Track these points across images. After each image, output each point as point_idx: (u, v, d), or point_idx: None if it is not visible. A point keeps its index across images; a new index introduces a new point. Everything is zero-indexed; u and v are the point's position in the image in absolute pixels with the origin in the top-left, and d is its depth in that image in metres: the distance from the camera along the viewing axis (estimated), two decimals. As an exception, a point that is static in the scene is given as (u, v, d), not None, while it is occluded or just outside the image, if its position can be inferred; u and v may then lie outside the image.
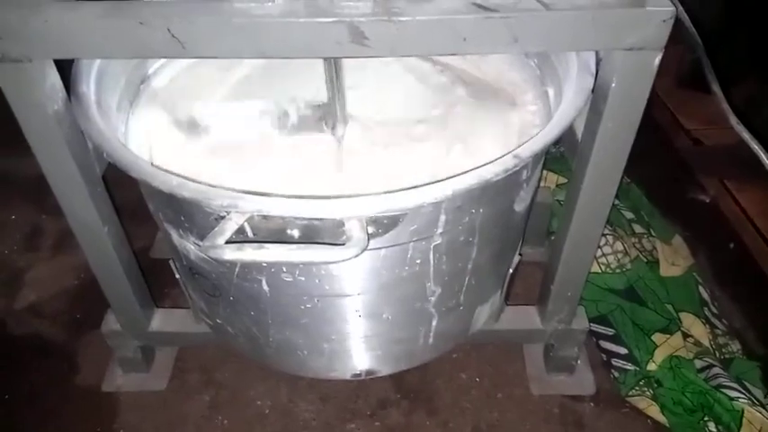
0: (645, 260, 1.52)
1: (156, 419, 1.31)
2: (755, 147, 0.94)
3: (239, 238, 0.78)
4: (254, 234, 0.82)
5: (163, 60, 1.19)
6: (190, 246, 0.96)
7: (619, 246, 1.52)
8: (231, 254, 0.73)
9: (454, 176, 0.77)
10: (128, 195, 1.17)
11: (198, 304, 1.17)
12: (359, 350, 1.10)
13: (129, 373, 1.37)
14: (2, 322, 1.52)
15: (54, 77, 0.89)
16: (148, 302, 1.26)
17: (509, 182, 0.91)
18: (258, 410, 1.32)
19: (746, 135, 0.93)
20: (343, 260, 0.73)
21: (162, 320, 1.28)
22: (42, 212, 1.79)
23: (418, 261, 0.92)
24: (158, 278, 1.33)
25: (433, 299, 1.01)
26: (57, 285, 1.60)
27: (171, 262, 1.16)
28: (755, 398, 1.24)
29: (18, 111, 0.88)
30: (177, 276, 1.16)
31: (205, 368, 1.39)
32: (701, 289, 1.49)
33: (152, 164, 0.83)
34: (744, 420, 1.19)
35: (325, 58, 0.99)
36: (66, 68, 0.94)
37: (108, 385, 1.36)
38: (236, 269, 0.93)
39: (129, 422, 1.31)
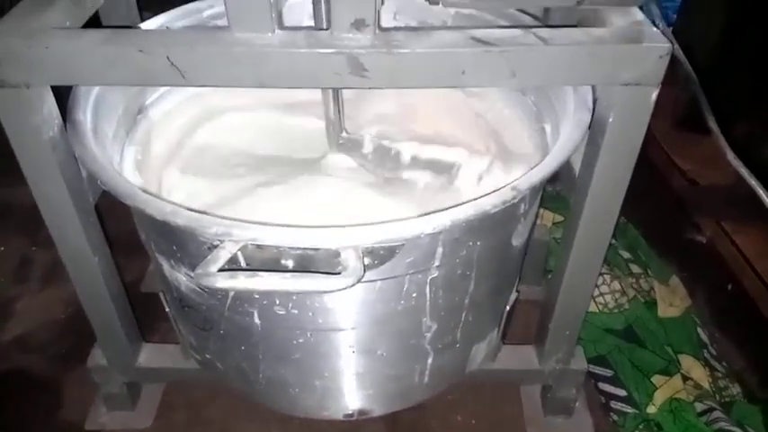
0: (643, 300, 1.51)
1: (140, 459, 1.27)
2: (753, 183, 0.94)
3: (233, 268, 0.77)
4: (247, 264, 0.80)
5: (161, 91, 1.20)
6: (181, 277, 0.94)
7: (616, 285, 1.51)
8: (224, 282, 0.71)
9: (452, 207, 0.76)
10: (120, 227, 1.16)
11: (187, 339, 1.14)
12: (352, 388, 1.07)
13: (113, 410, 1.33)
14: (-12, 355, 1.48)
15: (51, 104, 0.88)
16: (136, 336, 1.24)
17: (507, 214, 0.90)
18: (247, 451, 1.28)
19: (744, 171, 0.94)
20: (339, 289, 0.72)
21: (150, 356, 1.25)
22: (33, 244, 1.78)
23: (414, 295, 0.90)
24: (148, 312, 1.31)
25: (428, 335, 0.99)
26: (44, 318, 1.57)
27: (161, 294, 1.14)
28: (757, 442, 1.21)
29: (13, 136, 0.88)
30: (167, 309, 1.13)
31: (192, 406, 1.35)
32: (699, 330, 1.48)
33: (145, 191, 0.82)
34: (747, 466, 1.17)
35: (323, 89, 0.99)
36: (63, 95, 0.94)
37: (91, 423, 1.32)
38: (228, 301, 0.91)
39: (112, 462, 1.27)
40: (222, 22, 1.20)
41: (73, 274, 1.07)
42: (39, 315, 1.58)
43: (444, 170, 1.08)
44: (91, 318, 1.14)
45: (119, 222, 1.08)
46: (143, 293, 1.56)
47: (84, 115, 0.95)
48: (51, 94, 0.88)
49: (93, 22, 0.98)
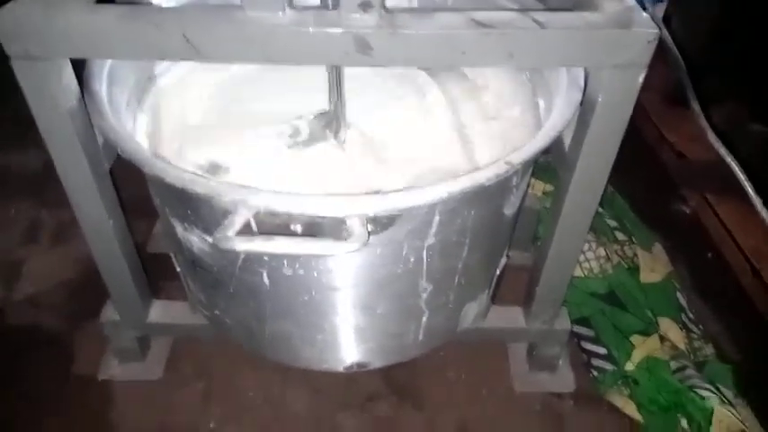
0: (626, 266, 1.59)
1: (150, 407, 1.35)
2: (731, 162, 1.00)
3: (246, 233, 0.83)
4: (258, 229, 0.87)
5: (169, 62, 1.24)
6: (194, 239, 1.00)
7: (602, 252, 1.58)
8: (242, 245, 0.78)
9: (449, 180, 0.82)
10: (127, 191, 1.20)
11: (197, 296, 1.21)
12: (352, 342, 1.15)
13: (124, 362, 1.40)
14: (0, 313, 1.54)
15: (69, 75, 0.93)
16: (147, 294, 1.30)
17: (500, 186, 0.96)
18: (250, 401, 1.36)
19: (723, 151, 1.00)
20: (346, 252, 0.78)
21: (160, 312, 1.32)
22: (41, 206, 1.82)
23: (412, 259, 0.97)
24: (154, 272, 1.37)
25: (424, 296, 1.06)
26: (54, 277, 1.63)
27: (172, 255, 1.21)
28: (726, 398, 1.31)
29: (34, 105, 0.92)
30: (178, 269, 1.20)
31: (199, 360, 1.43)
32: (678, 295, 1.56)
33: (162, 159, 0.87)
34: (714, 419, 1.26)
35: (329, 67, 1.04)
36: (78, 66, 0.98)
37: (103, 374, 1.39)
38: (239, 262, 0.98)
39: (124, 409, 1.35)
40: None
41: (89, 234, 1.12)
42: (49, 274, 1.63)
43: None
44: (105, 275, 1.20)
45: (124, 186, 1.13)
46: (149, 254, 1.61)
47: (100, 85, 1.00)
48: (70, 65, 0.92)
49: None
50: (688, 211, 1.67)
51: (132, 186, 1.12)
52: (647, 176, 1.80)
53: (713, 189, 1.62)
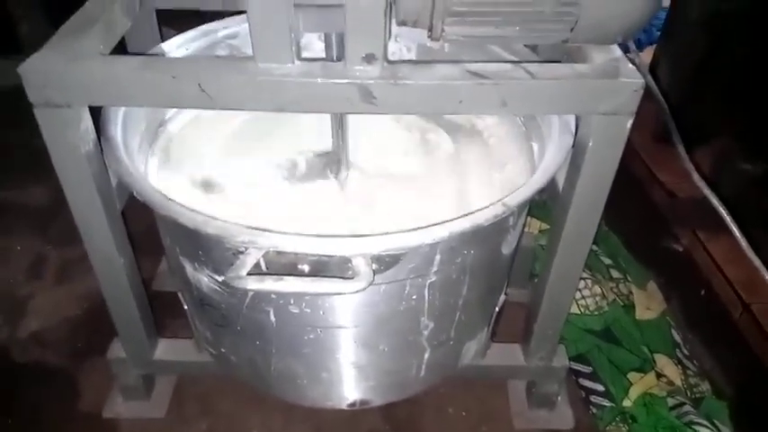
0: (621, 304, 1.62)
1: (155, 446, 1.37)
2: (715, 201, 1.04)
3: (254, 272, 0.87)
4: (267, 268, 0.91)
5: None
6: (203, 278, 1.04)
7: (597, 290, 1.62)
8: (254, 284, 0.82)
9: (450, 221, 0.87)
10: (132, 229, 1.24)
11: (203, 334, 1.24)
12: (355, 380, 1.17)
13: (129, 400, 1.42)
14: (5, 350, 1.56)
15: (88, 121, 0.97)
16: (153, 332, 1.33)
17: (498, 227, 1.00)
18: (254, 439, 1.38)
19: (707, 191, 1.04)
20: (353, 292, 0.82)
21: (165, 349, 1.34)
22: (46, 243, 1.86)
23: (414, 297, 1.01)
24: (158, 310, 1.39)
25: (426, 333, 1.09)
26: (59, 314, 1.65)
27: (179, 294, 1.24)
28: (723, 434, 1.33)
29: (53, 150, 0.96)
30: (186, 307, 1.23)
31: (203, 398, 1.44)
32: (673, 332, 1.59)
33: (174, 201, 0.92)
34: (712, 455, 1.28)
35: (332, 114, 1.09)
36: (93, 112, 1.03)
37: (108, 411, 1.41)
38: (247, 300, 1.02)
39: (128, 448, 1.36)
40: (236, 42, 1.30)
41: (99, 272, 1.15)
42: (54, 311, 1.66)
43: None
44: (113, 313, 1.23)
45: (130, 225, 1.17)
46: (154, 291, 1.64)
47: (116, 131, 1.05)
48: (88, 112, 0.97)
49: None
50: (680, 249, 1.71)
51: (137, 225, 1.16)
52: (640, 215, 1.84)
53: (703, 226, 1.66)
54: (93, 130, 1.00)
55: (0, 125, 2.16)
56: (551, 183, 1.06)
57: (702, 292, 1.60)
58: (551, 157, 0.99)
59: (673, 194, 1.82)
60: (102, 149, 1.01)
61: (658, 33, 1.95)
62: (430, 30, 0.90)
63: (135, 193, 0.94)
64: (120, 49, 1.07)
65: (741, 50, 1.47)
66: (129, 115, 1.10)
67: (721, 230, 1.61)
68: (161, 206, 0.89)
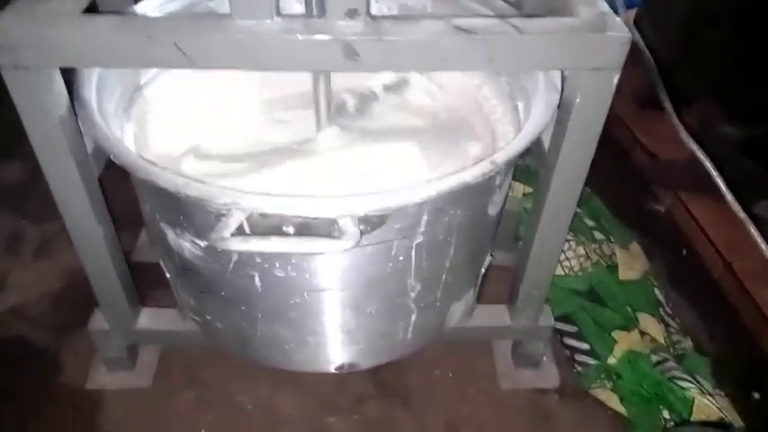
0: (605, 264, 1.64)
1: (141, 416, 1.35)
2: (703, 159, 1.04)
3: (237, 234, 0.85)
4: (251, 231, 0.89)
5: (154, 71, 1.26)
6: (186, 244, 1.02)
7: (581, 251, 1.63)
8: (238, 244, 0.80)
9: (437, 179, 0.85)
10: (108, 204, 1.22)
11: (187, 302, 1.22)
12: (342, 343, 1.17)
13: (113, 371, 1.40)
14: (-17, 325, 1.54)
15: (60, 84, 0.94)
16: (135, 302, 1.31)
17: (484, 185, 1.00)
18: (241, 406, 1.37)
19: (696, 148, 1.04)
20: (341, 251, 0.81)
21: (149, 319, 1.32)
22: (22, 218, 1.81)
23: (401, 258, 1.00)
24: (140, 281, 1.37)
25: (413, 294, 1.09)
26: (38, 289, 1.62)
27: (161, 262, 1.22)
28: (704, 388, 1.35)
29: (25, 115, 0.93)
30: (168, 276, 1.21)
31: (188, 367, 1.43)
32: (656, 291, 1.61)
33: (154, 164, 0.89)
34: (694, 408, 1.30)
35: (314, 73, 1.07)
36: (66, 74, 0.99)
37: (92, 383, 1.39)
38: (231, 265, 1.00)
39: (114, 419, 1.35)
40: (214, 3, 1.26)
41: (78, 242, 1.12)
42: (32, 287, 1.63)
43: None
44: (94, 283, 1.21)
45: (110, 197, 1.15)
46: (135, 263, 1.61)
47: (90, 94, 1.01)
48: (60, 74, 0.93)
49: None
50: (662, 210, 1.72)
51: (113, 198, 1.13)
52: (622, 177, 1.85)
53: (685, 187, 1.68)
54: (66, 94, 0.96)
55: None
56: (537, 142, 1.05)
57: (684, 252, 1.62)
58: (538, 114, 0.98)
59: (654, 156, 1.83)
60: (76, 115, 0.98)
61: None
62: (413, -17, 0.88)
63: (112, 157, 0.91)
64: (92, 11, 1.03)
65: (727, 7, 1.46)
66: (103, 80, 1.06)
67: (703, 191, 1.63)
68: (140, 169, 0.87)
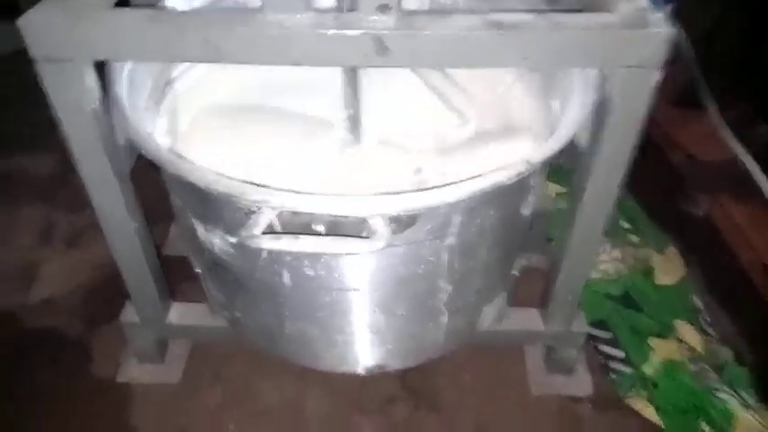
0: (640, 269, 1.59)
1: (169, 410, 1.36)
2: (747, 160, 1.00)
3: (267, 232, 0.84)
4: (281, 228, 0.88)
5: (185, 65, 1.26)
6: (216, 239, 1.02)
7: (616, 254, 1.59)
8: (269, 243, 0.79)
9: (470, 179, 0.83)
10: (143, 196, 1.22)
11: (216, 298, 1.22)
12: (371, 344, 1.15)
13: (143, 365, 1.41)
14: (16, 316, 1.55)
15: (92, 78, 0.94)
16: (166, 296, 1.31)
17: (519, 186, 0.96)
18: (268, 404, 1.37)
19: (740, 150, 1.00)
20: (372, 251, 0.79)
21: (179, 314, 1.33)
22: (55, 210, 1.84)
23: (432, 259, 0.98)
24: (170, 275, 1.38)
25: (443, 296, 1.07)
26: (70, 281, 1.64)
27: (190, 257, 1.22)
28: (746, 402, 1.30)
29: (58, 108, 0.93)
30: (197, 271, 1.21)
31: (217, 363, 1.43)
32: (694, 298, 1.55)
33: (185, 159, 0.89)
34: (736, 423, 1.25)
35: (346, 68, 1.05)
36: (99, 70, 1.00)
37: (123, 376, 1.40)
38: (260, 262, 0.99)
39: (143, 413, 1.36)
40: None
41: (110, 236, 1.13)
42: (64, 278, 1.65)
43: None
44: (126, 276, 1.21)
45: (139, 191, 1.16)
46: (165, 257, 1.62)
47: (121, 89, 1.01)
48: (92, 68, 0.93)
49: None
50: (700, 213, 1.68)
51: (144, 192, 1.13)
52: (657, 179, 1.80)
53: (725, 190, 1.63)
54: (99, 88, 0.96)
55: (3, 93, 2.14)
56: (572, 143, 1.02)
57: (723, 257, 1.57)
58: (574, 114, 0.95)
59: (692, 157, 1.78)
60: (108, 108, 0.98)
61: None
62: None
63: (143, 152, 0.91)
64: (123, 5, 1.03)
65: (761, 10, 1.41)
66: (134, 74, 1.06)
67: (744, 194, 1.58)
68: (170, 164, 0.86)
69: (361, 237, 0.82)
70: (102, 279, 1.63)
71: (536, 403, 1.37)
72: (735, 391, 1.33)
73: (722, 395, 1.31)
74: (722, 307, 1.56)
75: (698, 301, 1.56)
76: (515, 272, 1.22)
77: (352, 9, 0.90)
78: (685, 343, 1.45)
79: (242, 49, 0.86)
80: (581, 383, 1.39)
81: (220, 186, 0.82)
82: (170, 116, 1.20)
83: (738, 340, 1.48)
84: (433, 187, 0.82)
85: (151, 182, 1.13)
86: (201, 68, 1.28)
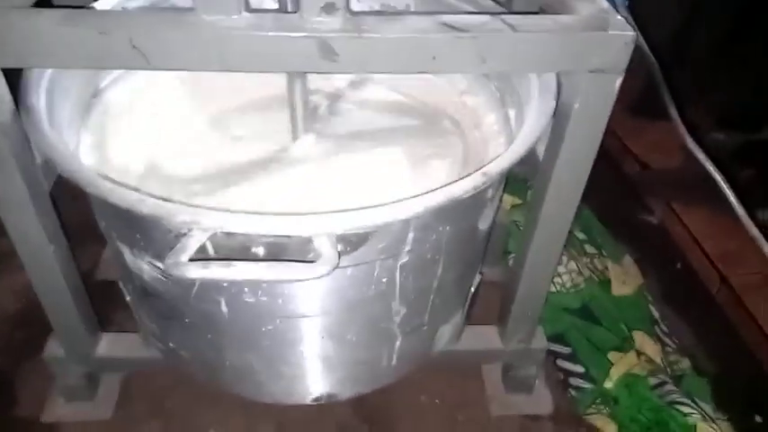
0: (597, 279, 1.57)
1: (101, 451, 1.25)
2: (710, 167, 0.97)
3: (200, 257, 0.75)
4: (215, 252, 0.79)
5: (117, 73, 1.16)
6: (144, 265, 0.92)
7: (573, 265, 1.55)
8: (196, 272, 0.70)
9: (425, 193, 0.76)
10: (71, 213, 1.11)
11: (149, 327, 1.12)
12: (320, 373, 1.07)
13: (71, 402, 1.29)
14: (-68, 351, 1.42)
15: (2, 87, 0.84)
16: (94, 326, 1.20)
17: (476, 199, 0.91)
18: (211, 439, 1.27)
19: (701, 156, 0.97)
20: (316, 277, 0.71)
21: (109, 345, 1.22)
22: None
23: (384, 280, 0.91)
24: (103, 301, 1.27)
25: (397, 319, 1.00)
26: (-8, 311, 1.51)
27: (120, 283, 1.12)
28: (706, 413, 1.28)
29: (-41, 121, 0.83)
30: (127, 298, 1.11)
31: (153, 396, 1.33)
32: (651, 308, 1.54)
33: (107, 178, 0.79)
34: (697, 436, 1.23)
35: (289, 75, 0.98)
36: (13, 78, 0.89)
37: (49, 416, 1.28)
38: (194, 290, 0.90)
39: (71, 455, 1.24)
40: (180, 2, 1.17)
41: (28, 264, 1.03)
42: (-16, 307, 1.52)
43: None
44: (47, 308, 1.11)
45: (70, 208, 1.04)
46: (98, 281, 1.51)
47: (38, 99, 0.91)
48: (2, 76, 0.84)
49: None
50: (654, 222, 1.67)
51: (78, 209, 1.03)
52: (611, 188, 1.79)
53: (679, 198, 1.62)
54: (11, 99, 0.86)
55: None
56: (530, 152, 0.97)
57: (678, 266, 1.56)
58: (533, 121, 0.90)
59: (646, 166, 1.77)
60: (22, 121, 0.87)
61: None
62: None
63: (59, 170, 0.81)
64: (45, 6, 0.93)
65: (720, 13, 1.41)
66: (55, 82, 0.96)
67: (698, 201, 1.58)
68: (89, 184, 0.77)
69: (305, 261, 0.74)
70: (27, 308, 1.50)
71: (496, 424, 1.32)
72: (695, 402, 1.31)
73: (683, 408, 1.28)
74: (679, 316, 1.54)
75: (655, 311, 1.54)
76: (473, 289, 1.16)
77: (294, 10, 0.82)
78: (644, 354, 1.42)
79: (172, 53, 0.78)
80: (541, 401, 1.35)
81: (145, 207, 0.72)
82: (97, 130, 1.10)
83: (696, 349, 1.47)
84: (384, 203, 0.75)
85: (83, 196, 1.03)
86: (134, 76, 1.18)
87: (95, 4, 1.09)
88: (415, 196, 0.76)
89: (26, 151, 0.90)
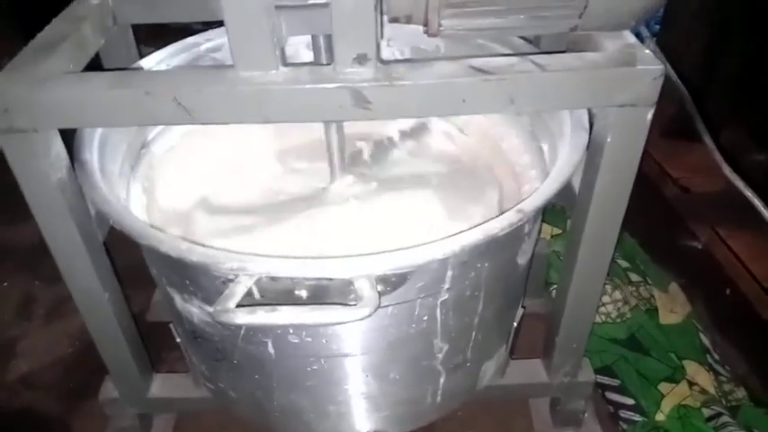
0: (644, 308, 1.53)
1: (155, 491, 1.27)
2: (748, 193, 0.96)
3: (246, 301, 0.78)
4: (261, 296, 0.82)
5: (161, 126, 1.21)
6: (194, 309, 0.95)
7: (617, 295, 1.53)
8: (243, 318, 0.73)
9: (461, 232, 0.78)
10: (124, 258, 1.16)
11: (199, 368, 1.15)
12: (365, 411, 1.08)
13: (126, 441, 1.33)
14: (-8, 395, 1.48)
15: (59, 146, 0.89)
16: (147, 368, 1.24)
17: (512, 236, 0.92)
18: (262, 478, 1.29)
19: (739, 182, 0.96)
20: (357, 320, 0.73)
21: (161, 386, 1.25)
22: (35, 280, 1.77)
23: (425, 318, 0.92)
24: (155, 342, 1.31)
25: (440, 356, 1.00)
26: (50, 355, 1.57)
27: (171, 326, 1.15)
28: (766, 446, 1.23)
29: (22, 180, 0.88)
30: (178, 340, 1.14)
31: (205, 435, 1.35)
32: (701, 335, 1.49)
33: (156, 228, 0.83)
34: (756, 469, 1.18)
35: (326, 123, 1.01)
36: (67, 133, 0.95)
37: (104, 456, 1.32)
38: (242, 332, 0.93)
39: (127, 495, 1.27)
40: (220, 55, 1.22)
41: (83, 310, 1.07)
42: (44, 352, 1.58)
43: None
44: (102, 352, 1.15)
45: (122, 253, 1.09)
46: (149, 323, 1.55)
47: (91, 155, 0.96)
48: (59, 136, 0.89)
49: (94, 60, 1.00)
50: (699, 247, 1.63)
51: (130, 253, 1.08)
52: (653, 214, 1.76)
53: (723, 221, 1.59)
54: (66, 156, 0.92)
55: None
56: (566, 185, 0.98)
57: (727, 291, 1.52)
58: (566, 157, 0.91)
59: (687, 190, 1.74)
60: (76, 175, 0.93)
61: (657, 26, 1.87)
62: (425, 25, 0.82)
63: (111, 222, 0.85)
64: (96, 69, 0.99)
65: (748, 38, 1.39)
66: (106, 138, 1.02)
67: (743, 224, 1.54)
68: (140, 235, 0.81)
69: (346, 303, 0.76)
70: (83, 351, 1.56)
71: (545, 460, 1.30)
72: (753, 434, 1.26)
73: (740, 440, 1.23)
74: (731, 344, 1.49)
75: (705, 339, 1.49)
76: (515, 323, 1.16)
77: (328, 62, 0.86)
78: (697, 385, 1.38)
79: (213, 108, 0.82)
80: (591, 436, 1.31)
81: (193, 256, 0.76)
82: (147, 178, 1.15)
83: (752, 379, 1.42)
84: (422, 244, 0.77)
85: (134, 243, 1.07)
86: (179, 127, 1.23)
87: (141, 62, 1.15)
88: (451, 235, 0.78)
89: (81, 204, 0.95)
